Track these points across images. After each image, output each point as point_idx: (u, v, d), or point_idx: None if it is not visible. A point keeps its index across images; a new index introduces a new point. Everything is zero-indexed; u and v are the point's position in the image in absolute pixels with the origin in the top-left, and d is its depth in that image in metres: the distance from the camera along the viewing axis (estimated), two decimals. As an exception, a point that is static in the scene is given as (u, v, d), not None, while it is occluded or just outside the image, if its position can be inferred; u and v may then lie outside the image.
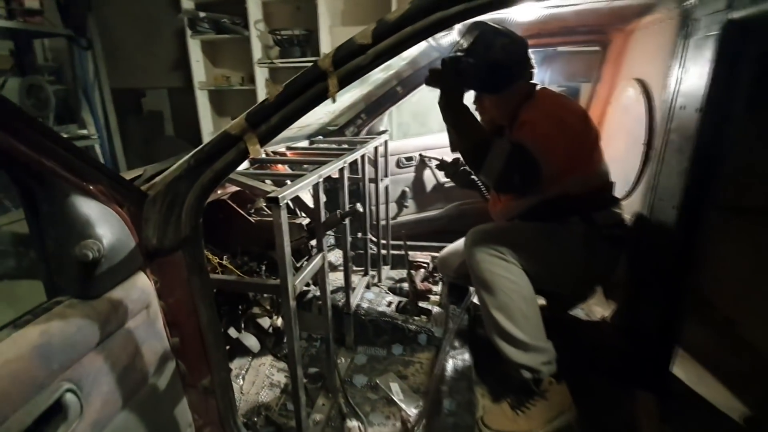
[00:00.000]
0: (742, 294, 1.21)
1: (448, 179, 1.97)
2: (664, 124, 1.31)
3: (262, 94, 3.36)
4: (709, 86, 1.09)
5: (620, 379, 1.39)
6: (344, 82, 0.81)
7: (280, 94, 0.80)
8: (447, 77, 1.23)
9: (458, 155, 1.63)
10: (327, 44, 3.15)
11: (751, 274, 1.15)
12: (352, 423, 1.24)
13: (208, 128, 3.59)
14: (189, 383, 0.92)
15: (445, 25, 0.79)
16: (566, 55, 2.24)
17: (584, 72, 2.19)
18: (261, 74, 3.30)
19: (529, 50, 1.39)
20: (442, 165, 1.88)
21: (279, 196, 0.91)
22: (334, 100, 0.83)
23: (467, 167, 1.35)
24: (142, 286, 0.73)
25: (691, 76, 1.18)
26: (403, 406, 1.32)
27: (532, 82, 1.42)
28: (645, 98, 1.46)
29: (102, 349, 0.63)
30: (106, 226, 0.65)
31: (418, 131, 2.89)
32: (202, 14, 3.16)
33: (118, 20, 3.45)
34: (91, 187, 0.63)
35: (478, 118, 1.37)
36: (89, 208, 0.62)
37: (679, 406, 1.27)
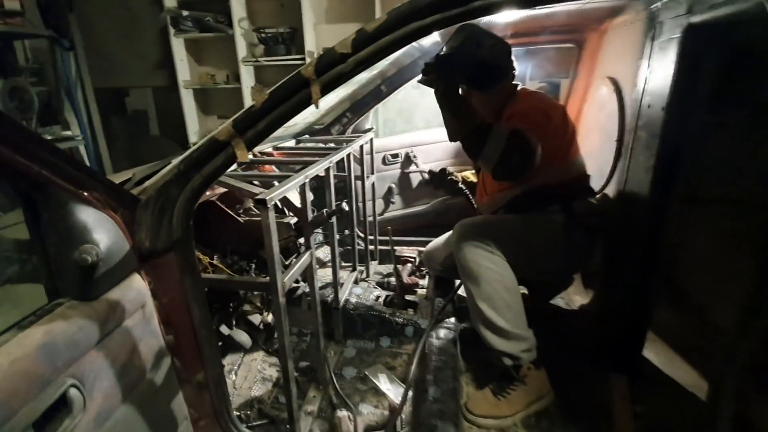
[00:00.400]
0: (704, 277, 1.30)
1: (438, 188, 2.05)
2: (633, 121, 1.37)
3: (247, 93, 3.36)
4: (673, 86, 1.16)
5: (596, 363, 1.47)
6: (326, 89, 0.85)
7: (265, 101, 0.84)
8: (442, 70, 1.27)
9: (445, 165, 1.71)
10: (311, 42, 3.16)
11: (709, 259, 1.23)
12: (342, 413, 1.29)
13: (194, 127, 3.58)
14: (184, 378, 0.96)
15: (422, 34, 0.84)
16: (548, 52, 2.31)
17: (564, 68, 2.26)
18: (246, 72, 3.31)
19: (511, 52, 1.48)
20: (431, 175, 1.96)
21: (267, 198, 0.95)
22: (317, 107, 0.87)
23: (469, 153, 1.41)
24: (137, 287, 0.77)
25: (657, 76, 1.25)
26: (390, 395, 1.38)
27: (514, 82, 1.52)
28: (617, 96, 1.53)
29: (102, 347, 0.66)
30: (102, 231, 0.68)
31: (403, 128, 2.93)
32: (185, 13, 3.15)
33: (99, 19, 3.41)
34: (86, 195, 0.66)
35: None
36: (86, 214, 0.66)
37: (650, 388, 1.36)
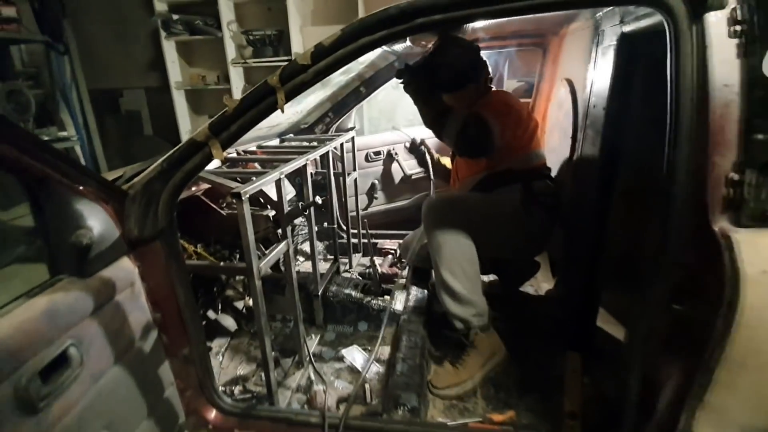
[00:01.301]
0: (637, 257, 1.43)
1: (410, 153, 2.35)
2: (584, 120, 1.50)
3: (237, 93, 3.47)
4: (611, 88, 1.29)
5: (555, 342, 1.60)
6: (290, 96, 0.98)
7: (237, 107, 0.97)
8: (408, 76, 1.54)
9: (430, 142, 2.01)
10: (298, 44, 3.27)
11: (637, 240, 1.36)
12: (318, 387, 1.42)
13: (186, 127, 3.69)
14: (171, 353, 1.08)
15: (373, 47, 0.97)
16: (524, 54, 2.44)
17: (534, 68, 2.39)
18: (236, 74, 3.41)
19: (483, 58, 1.64)
20: (412, 143, 2.28)
21: (241, 192, 1.07)
22: (282, 111, 1.00)
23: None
24: (126, 268, 0.90)
25: (600, 79, 1.38)
26: (363, 372, 1.51)
27: (488, 85, 1.68)
28: (571, 96, 1.65)
29: (96, 316, 0.79)
30: (94, 219, 0.81)
31: (386, 126, 3.05)
32: (175, 16, 3.25)
33: (92, 23, 3.51)
34: (81, 189, 0.79)
35: None
36: (81, 205, 0.78)
37: (599, 361, 1.49)
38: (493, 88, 1.72)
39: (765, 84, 0.75)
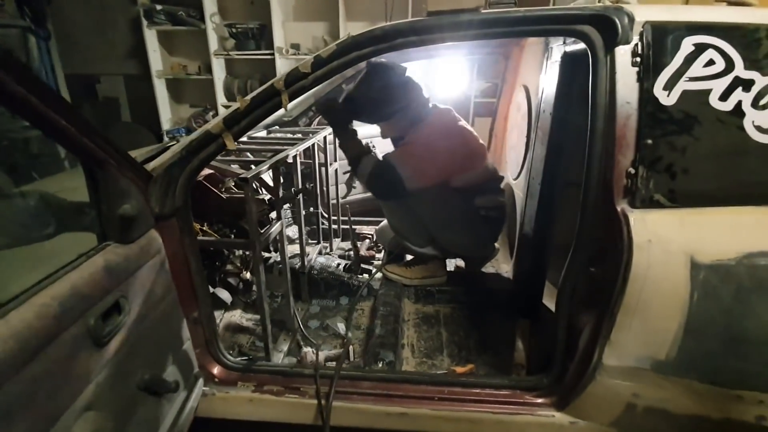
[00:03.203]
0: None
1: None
2: (536, 122, 1.77)
3: (219, 84, 3.57)
4: (556, 97, 1.55)
5: (509, 312, 1.88)
6: (293, 98, 1.17)
7: (248, 105, 1.15)
8: (329, 111, 1.72)
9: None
10: (280, 38, 3.41)
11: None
12: (307, 349, 1.63)
13: (167, 115, 3.75)
14: (184, 315, 1.26)
15: (361, 59, 1.18)
16: (491, 58, 2.69)
17: (498, 73, 2.65)
18: (218, 65, 3.51)
19: (413, 84, 1.76)
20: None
21: (248, 177, 1.26)
22: (286, 110, 1.19)
23: None
24: (155, 238, 1.07)
25: (548, 88, 1.64)
26: (346, 337, 1.74)
27: (426, 109, 1.80)
28: (527, 101, 1.92)
29: (136, 276, 0.97)
30: (133, 197, 0.98)
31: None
32: (158, 7, 3.30)
33: (72, 8, 3.49)
34: (124, 170, 0.96)
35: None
36: (125, 184, 0.95)
37: (543, 326, 1.78)
38: (437, 108, 1.83)
39: (654, 102, 1.02)
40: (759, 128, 0.98)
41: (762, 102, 0.98)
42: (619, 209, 1.04)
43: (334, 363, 1.48)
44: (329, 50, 1.14)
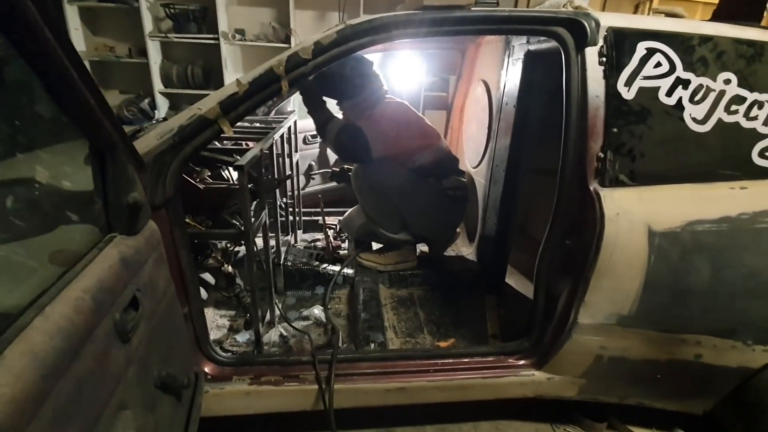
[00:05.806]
0: (537, 224, 1.93)
1: (340, 184, 2.48)
2: (497, 114, 1.93)
3: (155, 68, 3.28)
4: (519, 91, 1.71)
5: (474, 289, 2.04)
6: (293, 84, 1.17)
7: (246, 90, 1.13)
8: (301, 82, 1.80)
9: (345, 166, 2.30)
10: (224, 22, 3.23)
11: (539, 211, 1.85)
12: (293, 339, 1.63)
13: (91, 102, 3.35)
14: (175, 310, 1.20)
15: (359, 48, 1.21)
16: (441, 53, 2.82)
17: (451, 68, 2.80)
18: (153, 48, 3.23)
19: (375, 73, 1.92)
20: (333, 174, 2.43)
21: (243, 164, 1.23)
22: (285, 96, 1.18)
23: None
24: (155, 229, 1.01)
25: (511, 83, 1.80)
26: (331, 323, 1.76)
27: (385, 96, 1.96)
28: (487, 95, 2.08)
29: (145, 268, 0.92)
30: (136, 185, 0.92)
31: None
32: (80, -21, 2.94)
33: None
34: (131, 157, 0.90)
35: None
36: (130, 171, 0.89)
37: (508, 300, 1.97)
38: (390, 99, 1.98)
39: (617, 97, 1.20)
40: (695, 120, 1.20)
41: (696, 98, 1.20)
42: (591, 188, 1.21)
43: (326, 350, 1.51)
44: (330, 38, 1.16)
